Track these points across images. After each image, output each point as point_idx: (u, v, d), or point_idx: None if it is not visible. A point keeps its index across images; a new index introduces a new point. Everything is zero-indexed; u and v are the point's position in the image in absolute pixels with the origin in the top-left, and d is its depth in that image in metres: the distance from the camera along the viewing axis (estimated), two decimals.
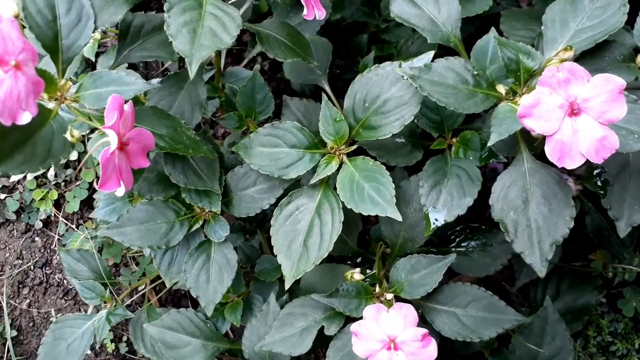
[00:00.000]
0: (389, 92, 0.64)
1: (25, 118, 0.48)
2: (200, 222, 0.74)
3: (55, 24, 0.57)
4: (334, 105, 0.68)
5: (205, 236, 0.74)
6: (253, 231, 0.91)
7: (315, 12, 0.59)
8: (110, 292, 0.84)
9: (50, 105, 0.57)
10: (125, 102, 0.53)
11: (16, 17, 0.51)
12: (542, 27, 0.66)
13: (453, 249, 0.79)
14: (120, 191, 0.53)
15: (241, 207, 0.72)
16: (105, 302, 0.84)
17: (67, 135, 0.55)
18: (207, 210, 0.73)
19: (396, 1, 0.68)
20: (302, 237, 0.66)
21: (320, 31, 0.82)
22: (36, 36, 0.55)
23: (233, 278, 0.72)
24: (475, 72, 0.62)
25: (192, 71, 0.53)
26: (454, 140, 0.71)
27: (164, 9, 0.56)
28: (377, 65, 0.65)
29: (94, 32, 0.58)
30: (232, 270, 0.72)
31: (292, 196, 0.68)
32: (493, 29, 0.73)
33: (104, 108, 0.58)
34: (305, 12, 0.57)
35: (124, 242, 0.70)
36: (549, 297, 0.83)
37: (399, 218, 0.62)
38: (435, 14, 0.68)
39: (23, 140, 0.52)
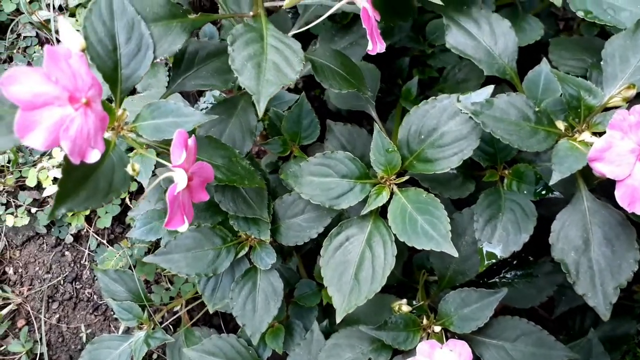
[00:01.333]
0: (447, 125, 0.63)
1: (94, 156, 0.47)
2: (246, 249, 0.73)
3: (116, 54, 0.56)
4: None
5: (251, 262, 0.73)
6: (289, 253, 0.91)
7: (378, 46, 0.58)
8: (148, 313, 0.83)
9: (108, 135, 0.56)
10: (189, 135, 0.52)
11: (83, 50, 0.50)
12: (601, 62, 0.65)
13: (498, 279, 0.78)
14: (184, 227, 0.52)
15: (289, 236, 0.71)
16: (141, 324, 0.84)
17: (128, 169, 0.54)
18: (252, 237, 0.72)
19: (451, 32, 0.68)
20: (352, 270, 0.65)
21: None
22: (97, 67, 0.54)
23: (279, 307, 0.71)
24: (537, 109, 0.61)
25: (260, 109, 0.52)
26: (506, 172, 0.71)
27: (228, 41, 0.55)
28: (433, 97, 0.64)
29: (153, 61, 0.57)
30: (278, 299, 0.72)
31: (342, 227, 0.67)
32: (545, 60, 0.72)
33: (164, 140, 0.58)
34: (370, 47, 0.56)
35: (172, 269, 0.69)
36: (592, 328, 0.82)
37: (455, 254, 0.61)
38: (491, 46, 0.67)
39: (86, 175, 0.51)
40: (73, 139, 0.45)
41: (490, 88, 0.63)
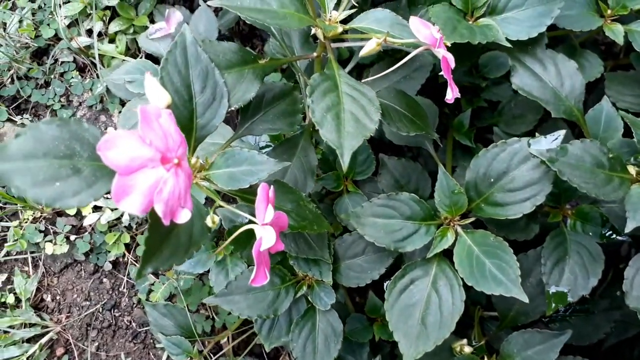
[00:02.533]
0: (518, 169, 0.63)
1: (184, 216, 0.46)
2: (305, 288, 0.72)
3: (191, 103, 0.55)
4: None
5: (308, 301, 0.73)
6: (336, 286, 0.90)
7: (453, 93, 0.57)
8: (198, 348, 0.82)
9: None
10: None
11: (169, 106, 0.49)
12: None
13: (555, 316, 0.78)
14: (266, 281, 0.51)
15: (350, 277, 0.70)
16: (191, 358, 0.83)
17: (208, 222, 0.53)
18: (312, 276, 0.71)
19: (517, 73, 0.67)
20: (419, 314, 0.65)
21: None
22: (175, 119, 0.54)
23: (340, 348, 0.70)
24: (611, 156, 0.60)
25: (345, 163, 0.51)
26: (569, 212, 0.70)
27: (307, 92, 0.55)
28: (503, 141, 0.63)
29: (228, 110, 0.57)
30: (337, 340, 0.71)
31: (406, 269, 0.66)
32: (606, 98, 0.71)
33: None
34: (449, 96, 0.56)
35: (233, 311, 0.68)
36: None
37: (526, 300, 0.61)
38: (558, 87, 0.67)
39: (169, 231, 0.51)
40: (166, 200, 0.44)
41: (561, 133, 0.62)
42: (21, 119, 1.05)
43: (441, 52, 0.53)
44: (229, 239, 0.53)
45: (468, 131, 0.83)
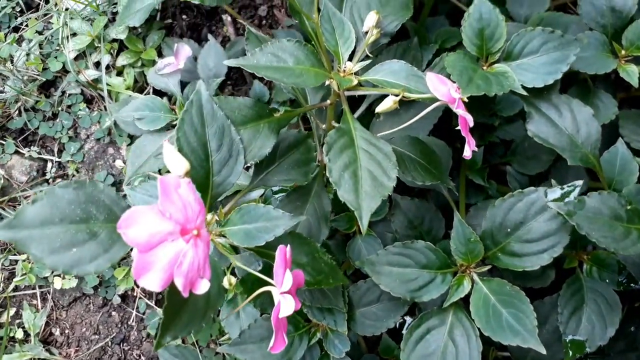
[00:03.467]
0: (535, 220, 0.62)
1: (203, 286, 0.46)
2: (318, 335, 0.71)
3: (208, 162, 0.55)
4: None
5: (321, 348, 0.72)
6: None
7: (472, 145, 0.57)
8: None
9: None
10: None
11: (187, 173, 0.49)
12: None
13: None
14: (284, 346, 0.51)
15: (365, 325, 0.70)
16: None
17: (225, 283, 0.53)
18: (325, 325, 0.71)
19: (533, 119, 0.66)
20: None
21: None
22: (191, 179, 0.53)
23: None
24: (629, 207, 0.60)
25: (364, 225, 0.51)
26: (585, 257, 0.69)
27: (324, 150, 0.54)
28: (520, 190, 0.63)
29: (244, 167, 0.56)
30: None
31: (422, 319, 0.66)
32: (621, 141, 0.70)
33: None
34: (467, 153, 0.55)
35: None
36: None
37: (543, 351, 0.60)
38: (574, 134, 0.66)
39: (186, 298, 0.50)
40: (186, 273, 0.44)
41: (579, 183, 0.61)
42: (29, 151, 1.05)
43: (460, 112, 0.52)
44: (248, 299, 0.53)
45: (481, 169, 0.82)
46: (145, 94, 1.02)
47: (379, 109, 0.56)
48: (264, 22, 1.11)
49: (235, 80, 1.07)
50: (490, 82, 0.62)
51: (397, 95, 0.55)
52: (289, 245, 0.52)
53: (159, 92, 1.02)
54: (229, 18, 1.07)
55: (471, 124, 0.54)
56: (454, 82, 0.59)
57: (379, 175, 0.54)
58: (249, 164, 0.57)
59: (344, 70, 0.61)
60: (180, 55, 0.93)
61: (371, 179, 0.54)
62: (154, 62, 1.00)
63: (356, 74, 0.61)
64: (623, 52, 0.73)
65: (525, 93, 0.63)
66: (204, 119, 0.55)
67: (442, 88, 0.54)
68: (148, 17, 0.93)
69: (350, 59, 0.63)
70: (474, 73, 0.62)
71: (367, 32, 0.64)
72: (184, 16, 1.09)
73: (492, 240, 0.64)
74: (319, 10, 0.61)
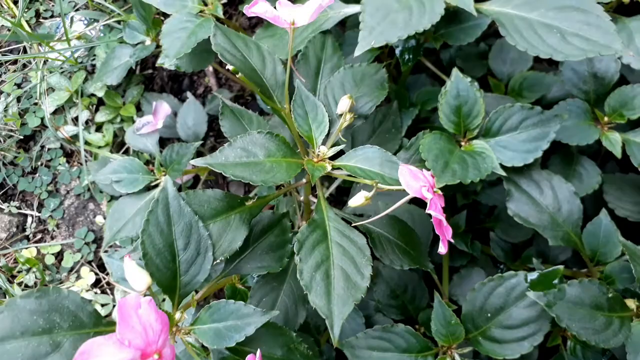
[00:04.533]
0: (515, 305, 0.61)
1: None
2: None
3: (175, 263, 0.53)
4: None
5: None
6: None
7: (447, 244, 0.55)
8: None
9: None
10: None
11: (149, 287, 0.47)
12: None
13: None
14: None
15: None
16: None
17: None
18: None
19: (513, 198, 0.65)
20: None
21: None
22: (157, 282, 0.51)
23: None
24: (610, 295, 0.58)
25: (335, 336, 0.49)
26: (569, 334, 0.68)
27: (294, 249, 0.53)
28: (500, 275, 0.61)
29: (213, 263, 0.55)
30: None
31: None
32: (604, 212, 0.69)
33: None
34: (441, 249, 0.53)
35: None
36: None
37: None
38: (555, 212, 0.65)
39: None
40: None
41: (559, 269, 0.60)
42: (8, 206, 1.03)
43: (432, 214, 0.51)
44: None
45: (464, 234, 0.80)
46: (125, 151, 1.00)
47: (352, 203, 0.54)
48: None
49: (218, 132, 1.05)
50: (467, 165, 0.60)
51: (369, 191, 0.53)
52: (258, 351, 0.51)
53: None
54: (211, 68, 1.06)
55: (445, 224, 0.52)
56: (429, 169, 0.58)
57: (352, 274, 0.52)
58: (218, 260, 0.55)
59: (318, 155, 0.60)
60: (159, 114, 0.92)
61: (344, 279, 0.52)
62: (132, 119, 0.99)
63: (331, 158, 0.60)
64: (606, 118, 0.72)
65: (504, 174, 0.62)
66: (171, 217, 0.53)
67: (415, 184, 0.52)
68: (128, 69, 0.92)
69: (325, 142, 0.61)
70: (450, 156, 0.61)
71: (342, 115, 0.62)
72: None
73: (472, 323, 0.63)
74: (291, 96, 0.59)
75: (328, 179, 0.80)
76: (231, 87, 1.06)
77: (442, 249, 0.54)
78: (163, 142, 1.03)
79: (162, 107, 0.92)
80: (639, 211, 0.74)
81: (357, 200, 0.54)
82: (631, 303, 0.61)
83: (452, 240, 0.57)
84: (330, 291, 0.51)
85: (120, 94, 1.01)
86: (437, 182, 0.57)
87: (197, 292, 0.62)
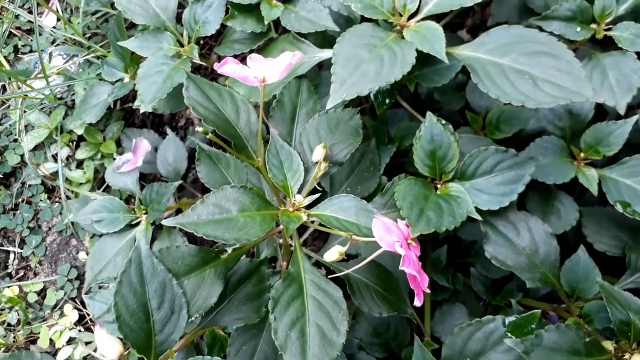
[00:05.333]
0: (493, 350, 0.60)
1: None
2: None
3: (149, 323, 0.53)
4: None
5: None
6: None
7: (422, 295, 0.55)
8: None
9: None
10: None
11: (121, 355, 0.47)
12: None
13: None
14: None
15: None
16: None
17: None
18: None
19: (490, 240, 0.65)
20: None
21: None
22: (131, 343, 0.51)
23: None
24: (588, 339, 0.58)
25: None
26: None
27: (269, 306, 0.52)
28: (478, 320, 0.62)
29: (187, 321, 0.54)
30: None
31: None
32: (583, 248, 0.69)
33: None
34: (417, 302, 0.53)
35: None
36: None
37: None
38: (532, 253, 0.65)
39: None
40: None
41: (536, 313, 0.60)
42: None
43: (405, 270, 0.51)
44: None
45: (445, 269, 0.81)
46: (107, 187, 1.00)
47: (326, 258, 0.54)
48: None
49: None
50: (442, 212, 0.60)
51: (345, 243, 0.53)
52: None
53: None
54: None
55: (419, 278, 0.52)
56: (404, 218, 0.58)
57: (328, 331, 0.52)
58: (193, 318, 0.55)
59: (294, 204, 0.60)
60: (139, 151, 0.91)
61: (320, 337, 0.52)
62: (113, 155, 0.98)
63: (308, 206, 0.60)
64: (582, 155, 0.72)
65: (480, 218, 0.62)
66: (144, 276, 0.53)
67: (388, 238, 0.52)
68: (106, 107, 0.92)
69: (301, 191, 0.61)
70: (425, 202, 0.61)
71: (317, 162, 0.62)
72: None
73: None
74: (265, 142, 0.59)
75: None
76: None
77: (417, 302, 0.54)
78: (145, 177, 1.03)
79: (142, 144, 0.92)
80: (616, 245, 0.74)
81: (331, 255, 0.54)
82: (609, 345, 0.61)
83: (427, 290, 0.57)
84: (305, 350, 0.51)
85: (100, 129, 1.01)
86: (412, 231, 0.57)
87: None
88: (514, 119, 0.80)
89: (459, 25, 1.09)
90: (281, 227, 0.65)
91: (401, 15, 0.66)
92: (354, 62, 0.58)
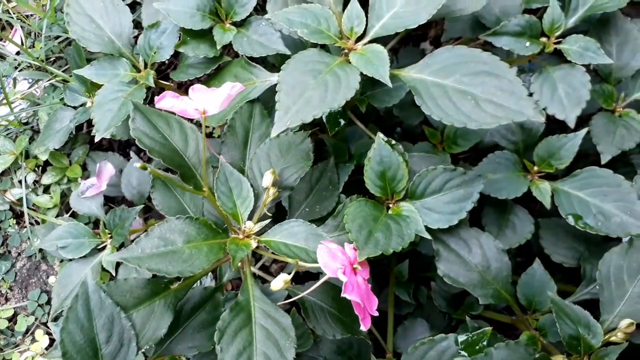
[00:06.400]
0: None
1: None
2: None
3: (97, 358, 0.53)
4: None
5: None
6: None
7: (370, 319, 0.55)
8: None
9: None
10: None
11: None
12: (597, 287, 0.63)
13: None
14: None
15: None
16: None
17: None
18: None
19: (441, 258, 0.66)
20: None
21: None
22: None
23: None
24: (537, 356, 0.59)
25: None
26: None
27: (215, 338, 0.53)
28: (431, 337, 0.62)
29: (137, 354, 0.55)
30: None
31: None
32: (538, 261, 0.70)
33: None
34: (362, 327, 0.54)
35: None
36: None
37: None
38: (484, 270, 0.66)
39: None
40: None
41: (487, 331, 0.61)
42: None
43: (347, 297, 0.51)
44: None
45: (407, 284, 0.81)
46: (73, 213, 1.00)
47: (273, 287, 0.55)
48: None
49: None
50: (391, 233, 0.61)
51: (289, 274, 0.54)
52: None
53: None
54: None
55: (363, 304, 0.53)
56: (352, 242, 0.59)
57: (275, 359, 0.53)
58: (143, 349, 0.55)
59: (244, 231, 0.60)
60: (103, 175, 0.92)
61: None
62: (79, 180, 0.99)
63: (259, 233, 0.60)
64: (535, 168, 0.73)
65: (429, 237, 0.63)
66: (91, 312, 0.53)
67: (332, 265, 0.53)
68: (70, 132, 0.92)
69: (252, 217, 0.62)
70: (374, 224, 0.61)
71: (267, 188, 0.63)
72: None
73: None
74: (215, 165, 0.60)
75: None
76: None
77: (363, 327, 0.55)
78: (113, 200, 1.03)
79: (106, 167, 0.92)
80: (572, 256, 0.75)
81: (277, 284, 0.54)
82: (560, 359, 0.62)
83: (374, 314, 0.57)
84: None
85: (67, 153, 1.01)
86: (359, 255, 0.57)
87: None
88: (470, 133, 0.81)
89: (422, 37, 1.09)
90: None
91: (349, 39, 0.67)
92: (298, 89, 0.59)
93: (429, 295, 0.84)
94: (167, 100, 0.51)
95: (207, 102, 0.53)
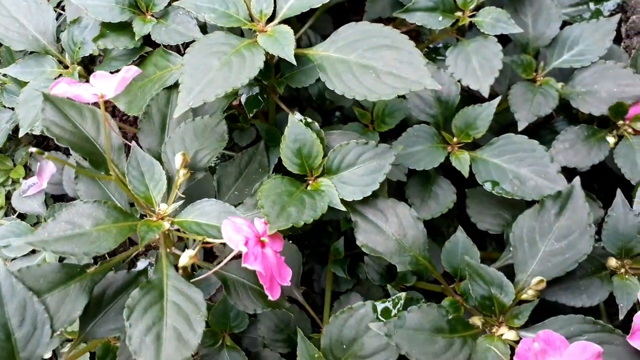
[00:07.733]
0: (366, 335, 0.63)
1: None
2: None
3: (10, 342, 0.54)
4: None
5: None
6: None
7: (277, 290, 0.57)
8: None
9: None
10: None
11: None
12: (510, 249, 0.65)
13: None
14: None
15: None
16: None
17: None
18: None
19: (360, 228, 0.67)
20: None
21: None
22: None
23: None
24: (451, 317, 0.61)
25: None
26: None
27: (124, 315, 0.54)
28: (350, 306, 0.64)
29: (52, 336, 0.56)
30: None
31: None
32: (461, 229, 0.72)
33: None
34: (270, 297, 0.55)
35: None
36: None
37: None
38: (401, 239, 0.67)
39: None
40: None
41: (401, 296, 0.63)
42: None
43: (248, 267, 0.53)
44: None
45: (342, 260, 0.83)
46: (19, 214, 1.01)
47: (180, 263, 0.56)
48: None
49: None
50: (304, 206, 0.62)
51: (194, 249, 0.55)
52: None
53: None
54: None
55: (279, 274, 0.54)
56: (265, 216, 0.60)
57: (184, 332, 0.54)
58: (58, 332, 0.56)
59: (158, 213, 0.62)
60: (44, 174, 0.93)
61: (176, 338, 0.53)
62: (21, 180, 1.00)
63: (172, 215, 0.62)
64: (455, 139, 0.75)
65: (343, 209, 0.64)
66: (2, 297, 0.54)
67: (235, 237, 0.54)
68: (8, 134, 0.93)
69: (167, 200, 0.63)
70: (288, 199, 0.63)
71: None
72: None
73: (332, 356, 0.65)
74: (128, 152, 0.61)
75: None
76: (126, 134, 1.08)
77: (270, 297, 0.56)
78: (60, 199, 1.04)
79: (47, 166, 0.93)
80: (498, 223, 0.77)
81: (183, 260, 0.56)
82: (477, 320, 0.63)
83: (286, 283, 0.59)
84: (160, 352, 0.53)
85: (10, 154, 1.02)
86: (270, 228, 0.59)
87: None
88: (396, 111, 0.82)
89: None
90: (156, 236, 0.67)
91: (259, 21, 0.68)
92: (202, 70, 0.60)
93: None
94: (60, 86, 0.53)
95: (105, 86, 0.55)
